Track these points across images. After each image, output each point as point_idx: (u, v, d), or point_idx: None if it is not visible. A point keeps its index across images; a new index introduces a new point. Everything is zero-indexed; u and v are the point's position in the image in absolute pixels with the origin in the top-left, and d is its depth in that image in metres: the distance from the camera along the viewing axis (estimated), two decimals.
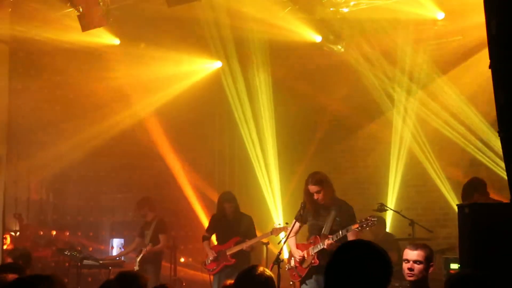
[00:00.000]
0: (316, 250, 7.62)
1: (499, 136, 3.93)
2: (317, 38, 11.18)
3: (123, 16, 10.34)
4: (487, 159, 10.40)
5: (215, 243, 9.91)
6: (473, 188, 7.93)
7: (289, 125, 12.95)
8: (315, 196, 7.71)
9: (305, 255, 7.74)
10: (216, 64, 12.69)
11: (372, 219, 7.34)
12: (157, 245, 10.39)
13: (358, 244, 3.27)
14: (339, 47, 11.24)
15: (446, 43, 10.92)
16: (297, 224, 7.96)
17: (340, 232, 7.43)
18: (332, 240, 7.44)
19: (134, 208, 10.94)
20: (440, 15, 10.03)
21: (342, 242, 7.29)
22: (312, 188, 7.71)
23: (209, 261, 9.61)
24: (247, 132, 12.72)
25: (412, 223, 9.33)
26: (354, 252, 3.17)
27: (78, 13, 10.04)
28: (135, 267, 10.06)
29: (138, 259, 10.15)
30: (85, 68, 11.84)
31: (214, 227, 9.83)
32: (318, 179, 7.73)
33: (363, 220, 7.36)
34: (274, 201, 12.52)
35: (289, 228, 8.03)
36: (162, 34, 11.34)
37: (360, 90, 11.83)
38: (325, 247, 7.47)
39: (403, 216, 9.51)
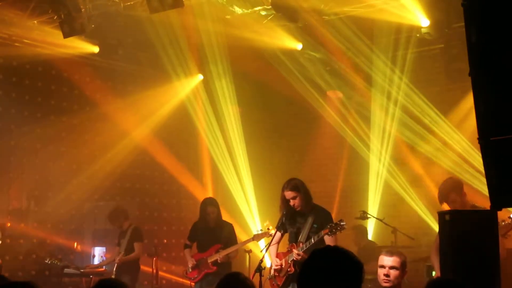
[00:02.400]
0: (292, 258, 7.55)
1: (479, 143, 3.93)
2: (298, 46, 11.23)
3: (103, 23, 10.33)
4: (464, 170, 10.44)
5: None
6: (449, 188, 7.84)
7: (270, 133, 13.05)
8: (291, 202, 7.59)
9: (283, 264, 7.69)
10: (197, 78, 12.91)
11: (341, 224, 7.25)
12: (131, 254, 10.32)
13: (328, 250, 3.29)
14: (320, 55, 11.33)
15: (427, 51, 10.98)
16: (278, 233, 7.92)
17: (312, 239, 7.38)
18: (302, 250, 7.38)
19: (108, 220, 10.80)
20: (425, 22, 9.97)
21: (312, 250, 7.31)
22: (288, 194, 7.59)
23: (190, 270, 9.57)
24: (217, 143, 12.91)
25: (394, 230, 9.36)
26: (324, 258, 3.18)
27: (60, 20, 9.99)
28: (112, 276, 10.03)
29: (114, 269, 10.12)
30: (66, 75, 11.82)
31: (195, 235, 9.78)
32: (294, 185, 7.61)
33: (333, 225, 7.28)
34: (251, 210, 12.63)
35: (272, 236, 8.02)
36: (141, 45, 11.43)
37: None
38: (294, 258, 7.42)
39: (385, 223, 9.54)
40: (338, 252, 3.21)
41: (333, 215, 7.86)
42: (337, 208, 11.68)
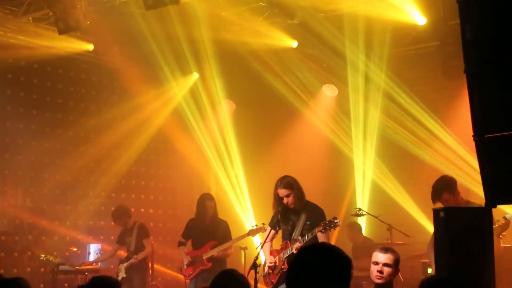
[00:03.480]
0: (286, 255, 7.53)
1: (473, 140, 3.93)
2: (294, 44, 11.22)
3: (98, 20, 10.31)
4: (458, 168, 10.45)
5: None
6: (442, 187, 7.82)
7: (264, 131, 13.07)
8: (285, 200, 7.55)
9: (277, 261, 7.66)
10: (192, 76, 12.91)
11: (335, 221, 7.21)
12: (143, 251, 10.29)
13: (316, 247, 3.30)
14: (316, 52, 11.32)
15: (423, 49, 10.97)
16: (272, 231, 7.89)
17: (306, 236, 7.34)
18: (301, 243, 7.31)
19: (112, 219, 10.74)
20: (421, 19, 9.91)
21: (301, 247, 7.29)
22: (282, 191, 7.54)
23: (185, 267, 9.55)
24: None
25: (390, 228, 9.35)
26: (312, 255, 3.17)
27: (55, 16, 9.96)
28: (120, 274, 10.00)
29: (125, 266, 10.08)
30: (61, 71, 11.82)
31: (190, 232, 9.75)
32: (287, 182, 7.55)
33: (327, 222, 7.24)
34: (246, 207, 12.64)
35: (266, 232, 8.01)
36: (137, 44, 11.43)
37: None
38: (294, 251, 7.37)
39: (381, 221, 9.52)
40: (326, 249, 3.21)
41: (328, 213, 7.82)
42: (331, 206, 11.65)
